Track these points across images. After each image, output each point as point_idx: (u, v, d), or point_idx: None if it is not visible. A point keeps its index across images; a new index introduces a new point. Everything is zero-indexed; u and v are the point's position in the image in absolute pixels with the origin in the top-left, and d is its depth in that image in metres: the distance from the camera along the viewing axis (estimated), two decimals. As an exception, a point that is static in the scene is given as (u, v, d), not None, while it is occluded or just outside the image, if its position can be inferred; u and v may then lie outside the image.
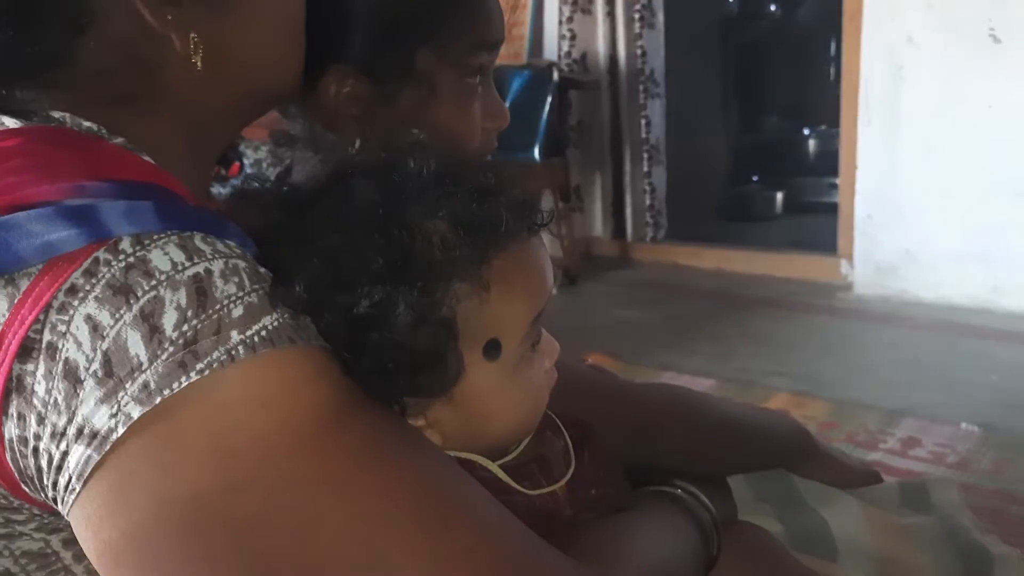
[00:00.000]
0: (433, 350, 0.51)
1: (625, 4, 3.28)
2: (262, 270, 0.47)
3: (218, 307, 0.43)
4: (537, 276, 0.56)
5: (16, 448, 0.43)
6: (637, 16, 3.26)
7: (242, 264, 0.46)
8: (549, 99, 2.97)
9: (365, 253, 0.50)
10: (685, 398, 0.90)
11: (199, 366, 0.42)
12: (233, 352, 0.43)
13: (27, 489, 0.45)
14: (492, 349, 0.54)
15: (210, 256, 0.45)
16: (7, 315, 0.43)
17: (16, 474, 0.44)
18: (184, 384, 0.42)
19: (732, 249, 3.41)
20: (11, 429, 0.43)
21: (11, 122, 0.51)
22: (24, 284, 0.43)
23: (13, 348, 0.42)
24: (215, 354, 0.42)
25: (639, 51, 3.29)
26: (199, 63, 0.54)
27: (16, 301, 0.43)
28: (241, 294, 0.44)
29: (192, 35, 0.53)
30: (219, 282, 0.44)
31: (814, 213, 3.83)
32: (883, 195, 2.77)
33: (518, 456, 0.59)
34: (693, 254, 3.43)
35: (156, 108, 0.54)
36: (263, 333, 0.44)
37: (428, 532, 0.44)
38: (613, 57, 3.36)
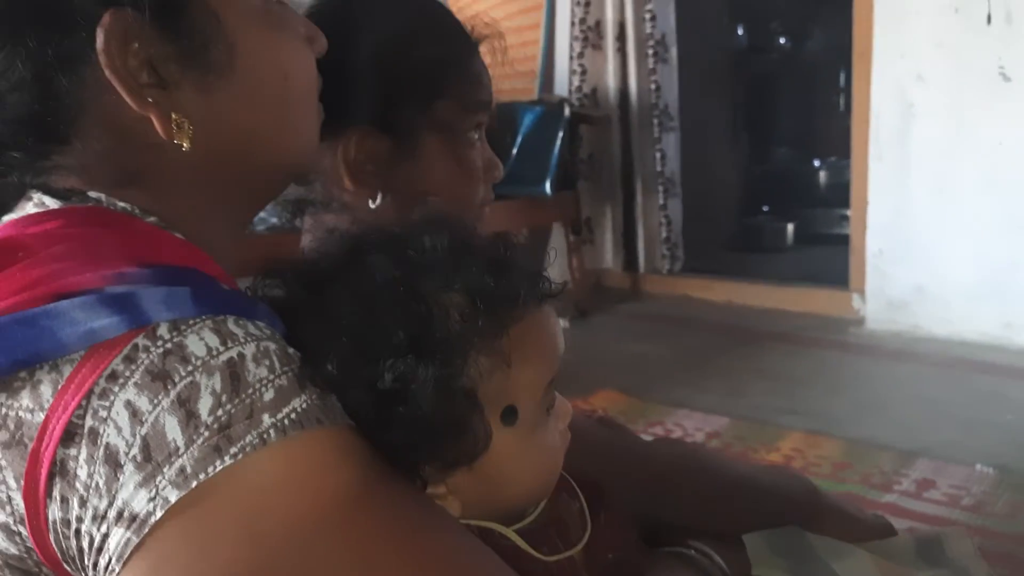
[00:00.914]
0: (457, 420, 0.52)
1: (637, 39, 3.31)
2: (291, 350, 0.49)
3: (251, 391, 0.45)
4: (550, 343, 0.58)
5: (59, 530, 0.45)
6: (651, 51, 3.29)
7: (272, 346, 0.47)
8: (560, 134, 2.99)
9: (387, 328, 0.51)
10: (695, 456, 0.91)
11: (233, 450, 0.44)
12: (265, 436, 0.44)
13: (69, 568, 0.46)
14: (509, 415, 0.55)
15: (243, 340, 0.46)
16: (52, 400, 0.44)
17: (59, 554, 0.45)
18: (219, 468, 0.43)
19: (744, 282, 3.42)
20: (55, 512, 0.44)
21: (52, 202, 0.53)
22: (67, 370, 0.45)
23: (57, 433, 0.44)
24: (248, 438, 0.44)
25: (653, 85, 3.31)
26: (185, 143, 0.54)
27: (60, 387, 0.44)
28: (272, 377, 0.46)
29: (174, 116, 0.54)
30: (251, 366, 0.46)
31: (825, 244, 3.84)
32: (895, 230, 2.78)
33: (535, 519, 0.60)
34: (704, 286, 3.44)
35: (169, 185, 0.55)
36: (292, 416, 0.46)
37: None
38: (624, 91, 3.38)
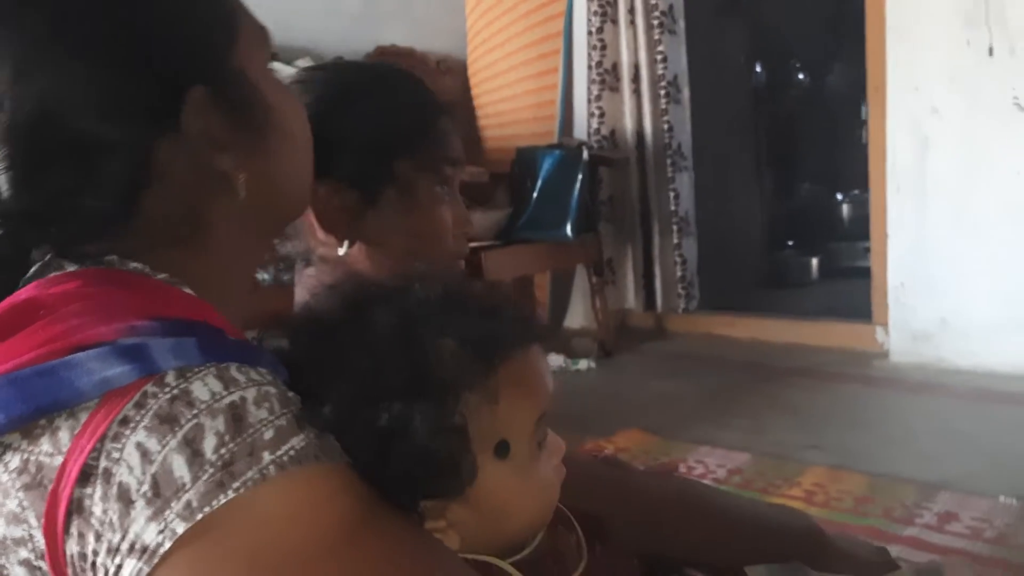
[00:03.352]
0: (449, 455, 0.56)
1: (651, 81, 3.36)
2: (291, 394, 0.53)
3: (252, 431, 0.49)
4: (538, 382, 0.62)
5: (76, 563, 0.48)
6: (663, 92, 3.34)
7: (273, 391, 0.51)
8: (580, 177, 3.03)
9: (385, 373, 0.56)
10: (694, 490, 0.94)
11: (235, 485, 0.47)
12: (265, 471, 0.48)
13: None
14: (502, 449, 0.59)
15: (244, 385, 0.50)
16: (69, 445, 0.48)
17: None
18: (223, 501, 0.47)
19: (767, 318, 3.42)
20: (72, 546, 0.48)
21: (70, 265, 0.58)
22: (84, 416, 0.49)
23: (74, 474, 0.48)
24: (249, 473, 0.48)
25: (666, 126, 3.35)
26: (243, 192, 0.61)
27: (77, 432, 0.48)
28: (272, 418, 0.50)
29: (242, 175, 0.61)
30: (252, 408, 0.50)
31: (850, 277, 3.83)
32: (915, 263, 2.78)
33: (533, 552, 0.63)
34: (728, 324, 3.45)
35: (199, 248, 0.61)
36: (291, 453, 0.49)
37: None
38: (640, 133, 3.43)
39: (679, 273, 3.42)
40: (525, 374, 0.60)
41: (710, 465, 2.05)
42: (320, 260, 0.93)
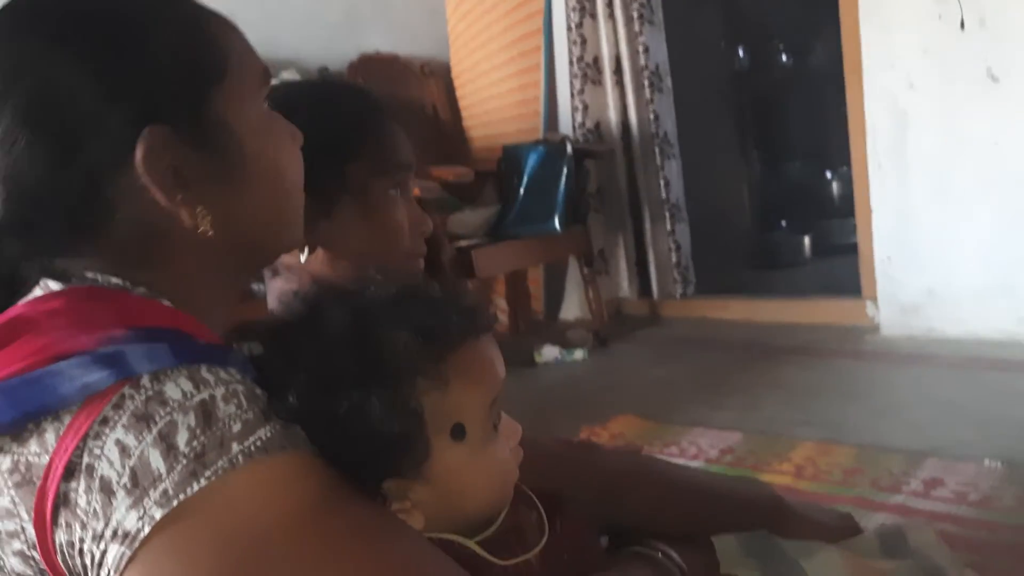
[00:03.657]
0: (404, 436, 0.61)
1: (633, 72, 3.40)
2: (258, 391, 0.58)
3: (221, 425, 0.54)
4: (488, 367, 0.66)
5: (65, 551, 0.53)
6: (647, 82, 3.38)
7: (240, 388, 0.56)
8: (565, 171, 3.08)
9: (343, 364, 0.61)
10: (648, 462, 0.98)
11: (207, 473, 0.52)
12: (234, 460, 0.53)
13: None
14: (458, 432, 0.64)
15: (213, 384, 0.55)
16: (55, 445, 0.53)
17: (66, 572, 0.54)
18: (196, 489, 0.52)
19: (760, 299, 3.47)
20: (60, 536, 0.53)
21: (55, 285, 0.63)
22: (67, 419, 0.54)
23: (59, 471, 0.52)
24: (220, 463, 0.53)
25: (652, 115, 3.39)
26: (209, 229, 0.65)
27: (61, 433, 0.53)
28: (239, 412, 0.55)
29: (199, 208, 0.64)
30: (221, 404, 0.54)
31: (843, 254, 3.85)
32: (900, 236, 2.82)
33: (496, 530, 0.67)
34: (721, 307, 3.49)
35: (171, 267, 0.65)
36: (258, 443, 0.54)
37: None
38: (625, 123, 3.47)
39: (674, 259, 3.47)
40: (475, 361, 0.65)
41: (703, 446, 2.09)
42: (285, 268, 0.97)
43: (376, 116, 1.02)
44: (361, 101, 1.03)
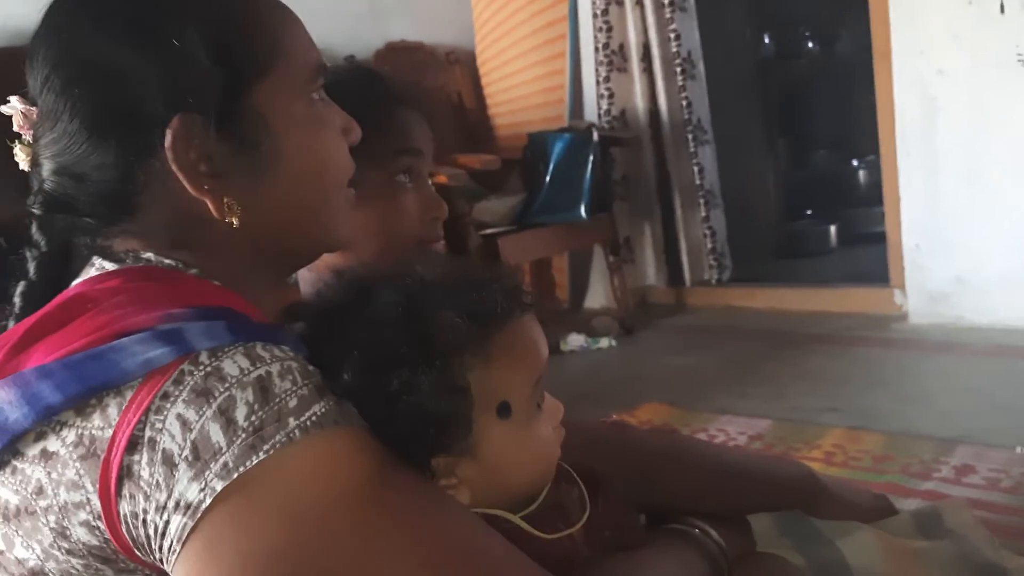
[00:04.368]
0: (453, 413, 0.62)
1: (663, 59, 3.38)
2: (311, 367, 0.59)
3: (278, 400, 0.55)
4: (532, 346, 0.68)
5: (129, 521, 0.55)
6: (679, 69, 3.36)
7: (294, 365, 0.58)
8: (591, 158, 3.07)
9: (393, 343, 0.62)
10: (684, 442, 0.99)
11: (265, 447, 0.54)
12: (291, 434, 0.55)
13: (139, 554, 0.56)
14: (504, 410, 0.66)
15: (269, 360, 0.57)
16: (117, 419, 0.55)
17: (130, 542, 0.56)
18: (255, 462, 0.53)
19: (786, 288, 3.45)
20: (124, 507, 0.55)
21: (110, 265, 0.66)
22: (129, 394, 0.55)
23: (123, 444, 0.54)
24: (277, 437, 0.54)
25: (684, 102, 3.38)
26: (235, 221, 0.66)
27: (124, 407, 0.55)
28: (295, 388, 0.56)
29: (226, 200, 0.66)
30: (277, 380, 0.56)
31: (869, 243, 3.83)
32: (929, 224, 2.80)
33: (539, 506, 0.69)
34: (747, 295, 3.49)
35: (215, 250, 0.67)
36: (314, 418, 0.56)
37: (453, 573, 0.54)
38: (653, 111, 3.46)
39: (709, 245, 3.45)
40: (519, 339, 0.67)
41: (731, 433, 2.09)
42: None
43: (386, 104, 1.00)
44: (365, 87, 1.01)
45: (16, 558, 0.58)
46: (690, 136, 3.39)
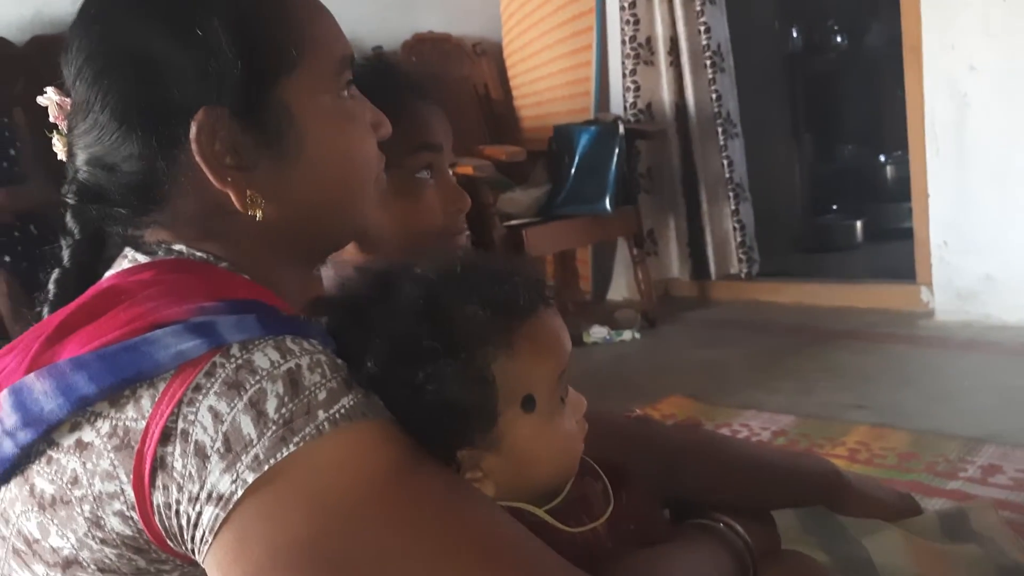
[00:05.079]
0: (478, 406, 0.63)
1: (692, 52, 3.37)
2: (339, 361, 0.60)
3: (307, 393, 0.56)
4: (555, 339, 0.68)
5: (162, 512, 0.56)
6: (708, 62, 3.34)
7: (323, 358, 0.58)
8: (617, 151, 3.07)
9: (418, 336, 0.63)
10: (709, 436, 0.99)
11: (295, 440, 0.54)
12: (320, 427, 0.55)
13: (171, 544, 0.57)
14: (528, 403, 0.66)
15: (299, 354, 0.57)
16: (151, 410, 0.56)
17: (163, 532, 0.57)
18: (285, 454, 0.54)
19: (812, 283, 3.43)
20: (158, 497, 0.56)
21: (142, 257, 0.67)
22: (162, 386, 0.56)
23: (156, 435, 0.55)
24: (307, 429, 0.55)
25: (714, 95, 3.35)
26: (258, 213, 0.66)
27: (156, 399, 0.56)
28: (324, 381, 0.57)
29: (249, 192, 0.66)
30: (307, 373, 0.57)
31: (894, 239, 3.80)
32: (957, 221, 2.77)
33: (563, 500, 0.69)
34: (772, 289, 3.47)
35: (242, 242, 0.68)
36: (342, 411, 0.56)
37: (478, 564, 0.55)
38: (680, 104, 3.45)
39: (738, 239, 3.43)
40: (542, 332, 0.67)
41: (755, 428, 2.09)
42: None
43: (398, 96, 0.98)
44: (381, 81, 0.97)
45: (51, 546, 0.59)
46: (719, 129, 3.37)
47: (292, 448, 0.54)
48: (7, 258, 2.11)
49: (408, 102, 0.99)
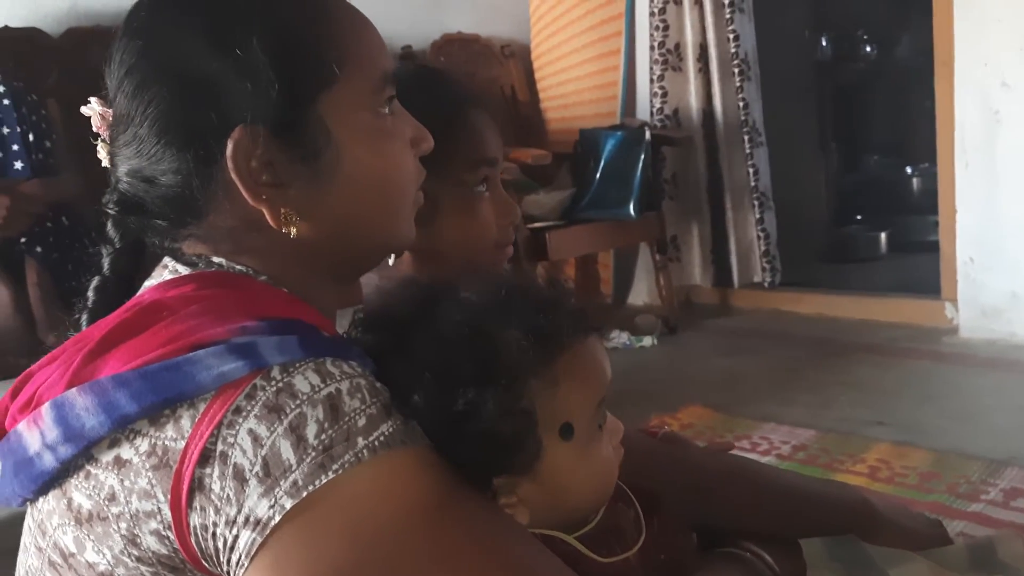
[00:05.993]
0: (517, 434, 0.63)
1: (720, 59, 3.35)
2: (378, 385, 0.60)
3: (347, 419, 0.56)
4: (596, 368, 0.68)
5: (199, 533, 0.56)
6: (736, 70, 3.33)
7: (363, 382, 0.59)
8: (642, 156, 3.06)
9: (458, 363, 0.62)
10: (747, 465, 0.98)
11: (335, 467, 0.55)
12: (360, 455, 0.55)
13: (207, 565, 0.57)
14: (566, 431, 0.66)
15: (339, 378, 0.57)
16: (190, 431, 0.56)
17: (199, 553, 0.57)
18: (324, 481, 0.54)
19: (834, 294, 3.41)
20: (195, 519, 0.56)
21: (183, 268, 0.67)
22: (202, 407, 0.56)
23: (195, 456, 0.55)
24: (347, 457, 0.55)
25: (741, 103, 3.34)
26: (293, 231, 0.66)
27: (196, 420, 0.56)
28: (364, 407, 0.57)
29: (283, 210, 0.66)
30: (347, 399, 0.57)
31: (920, 252, 3.77)
32: (984, 237, 2.75)
33: (594, 527, 0.69)
34: (794, 299, 3.45)
35: (278, 256, 0.68)
36: (382, 438, 0.57)
37: None
38: (708, 111, 3.43)
39: (762, 247, 3.41)
40: (584, 361, 0.67)
41: (774, 441, 2.08)
42: (384, 266, 0.94)
43: (452, 109, 0.97)
44: (434, 92, 0.98)
45: (87, 561, 0.59)
46: (746, 137, 3.35)
47: (331, 475, 0.54)
48: (39, 248, 2.12)
49: (466, 116, 0.98)
